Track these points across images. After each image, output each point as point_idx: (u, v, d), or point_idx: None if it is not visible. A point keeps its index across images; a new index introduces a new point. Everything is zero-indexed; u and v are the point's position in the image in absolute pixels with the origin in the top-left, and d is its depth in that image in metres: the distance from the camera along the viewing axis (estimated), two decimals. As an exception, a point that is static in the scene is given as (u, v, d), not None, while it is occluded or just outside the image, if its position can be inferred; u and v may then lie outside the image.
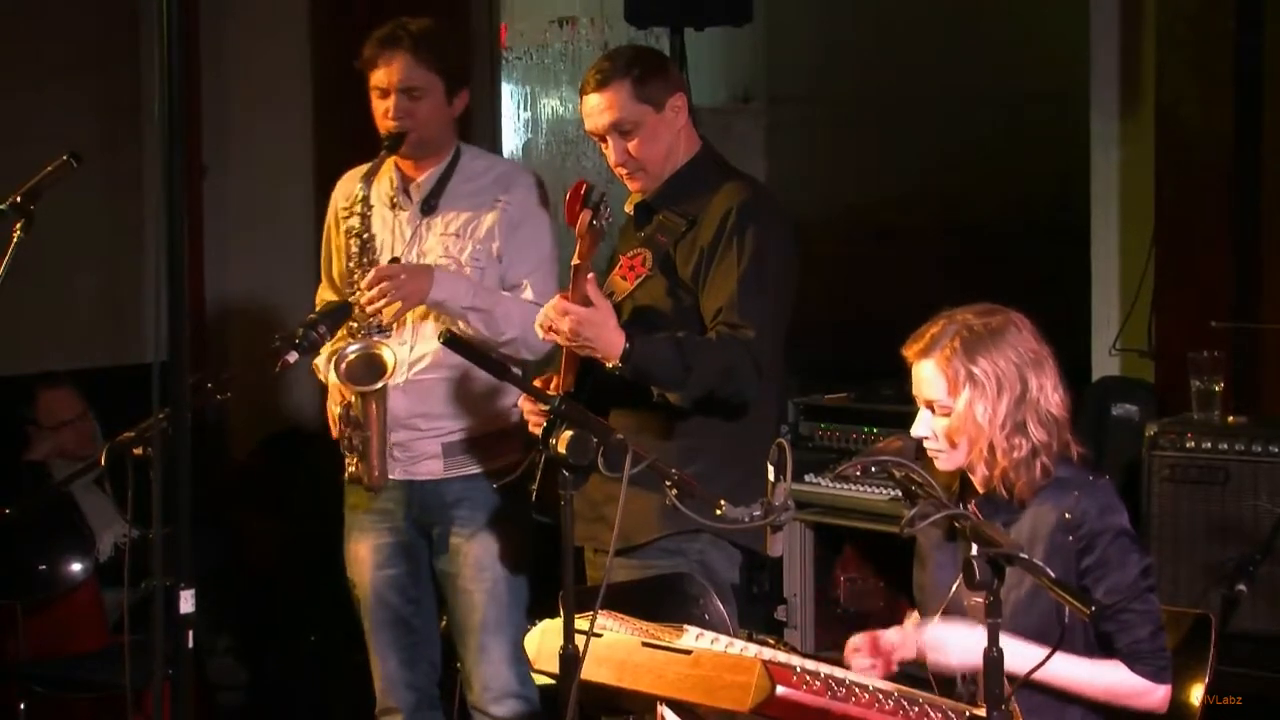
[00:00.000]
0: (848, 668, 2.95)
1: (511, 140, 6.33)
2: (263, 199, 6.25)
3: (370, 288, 3.69)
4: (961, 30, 5.80)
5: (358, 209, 3.80)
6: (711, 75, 6.10)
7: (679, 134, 3.62)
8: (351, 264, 3.80)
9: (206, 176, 6.14)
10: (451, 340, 3.06)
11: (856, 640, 3.05)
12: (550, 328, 3.37)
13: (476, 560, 3.88)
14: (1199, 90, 4.37)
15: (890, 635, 3.04)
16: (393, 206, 3.91)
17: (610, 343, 3.35)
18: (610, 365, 3.37)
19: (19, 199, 3.35)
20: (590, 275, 3.38)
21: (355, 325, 3.74)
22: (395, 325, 3.79)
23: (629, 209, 3.70)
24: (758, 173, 5.23)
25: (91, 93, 5.95)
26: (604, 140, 3.62)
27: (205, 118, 6.08)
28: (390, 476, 3.84)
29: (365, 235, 3.80)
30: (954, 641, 2.87)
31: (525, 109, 6.35)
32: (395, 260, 3.82)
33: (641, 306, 3.58)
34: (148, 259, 5.83)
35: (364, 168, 3.85)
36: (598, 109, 3.58)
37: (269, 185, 6.25)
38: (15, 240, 3.33)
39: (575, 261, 3.34)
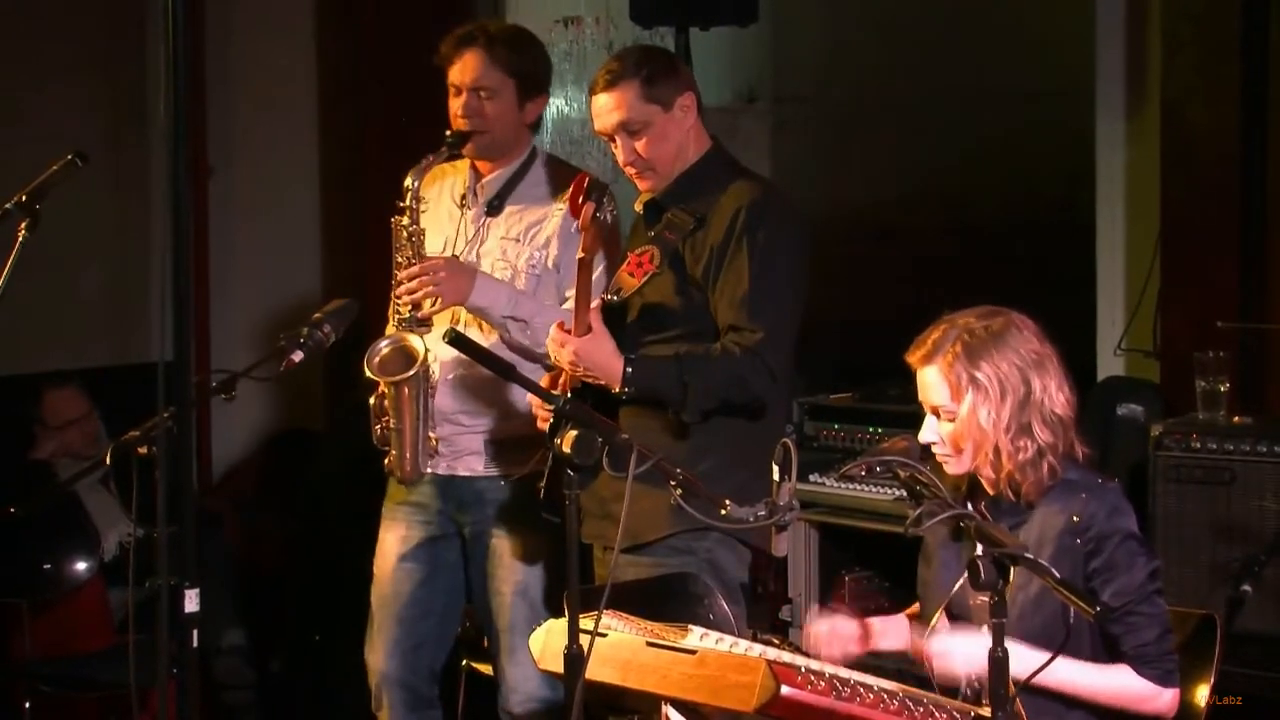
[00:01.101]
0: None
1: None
2: (268, 199, 6.25)
3: (412, 278, 3.71)
4: (965, 30, 5.79)
5: (408, 202, 3.81)
6: (717, 75, 6.09)
7: (688, 133, 3.62)
8: (399, 256, 3.81)
9: (212, 176, 6.14)
10: (456, 339, 3.06)
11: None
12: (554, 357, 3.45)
13: (510, 561, 3.89)
14: (1205, 90, 4.36)
15: (874, 620, 3.04)
16: (461, 205, 3.93)
17: (610, 369, 3.43)
18: (615, 390, 3.44)
19: (24, 198, 3.34)
20: (595, 304, 3.41)
21: (400, 317, 3.77)
22: (449, 320, 3.80)
23: (638, 208, 3.71)
24: (763, 173, 5.21)
25: (97, 92, 5.95)
26: (613, 140, 3.62)
27: (210, 118, 6.08)
28: (433, 471, 3.87)
29: (412, 228, 3.80)
30: (960, 650, 2.87)
31: (530, 108, 6.34)
32: (455, 258, 3.84)
33: (649, 304, 3.58)
34: (153, 259, 5.82)
35: (429, 161, 3.85)
36: (606, 109, 3.59)
37: (274, 185, 6.25)
38: (20, 239, 3.33)
39: (579, 255, 3.35)
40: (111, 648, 4.77)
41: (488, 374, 3.80)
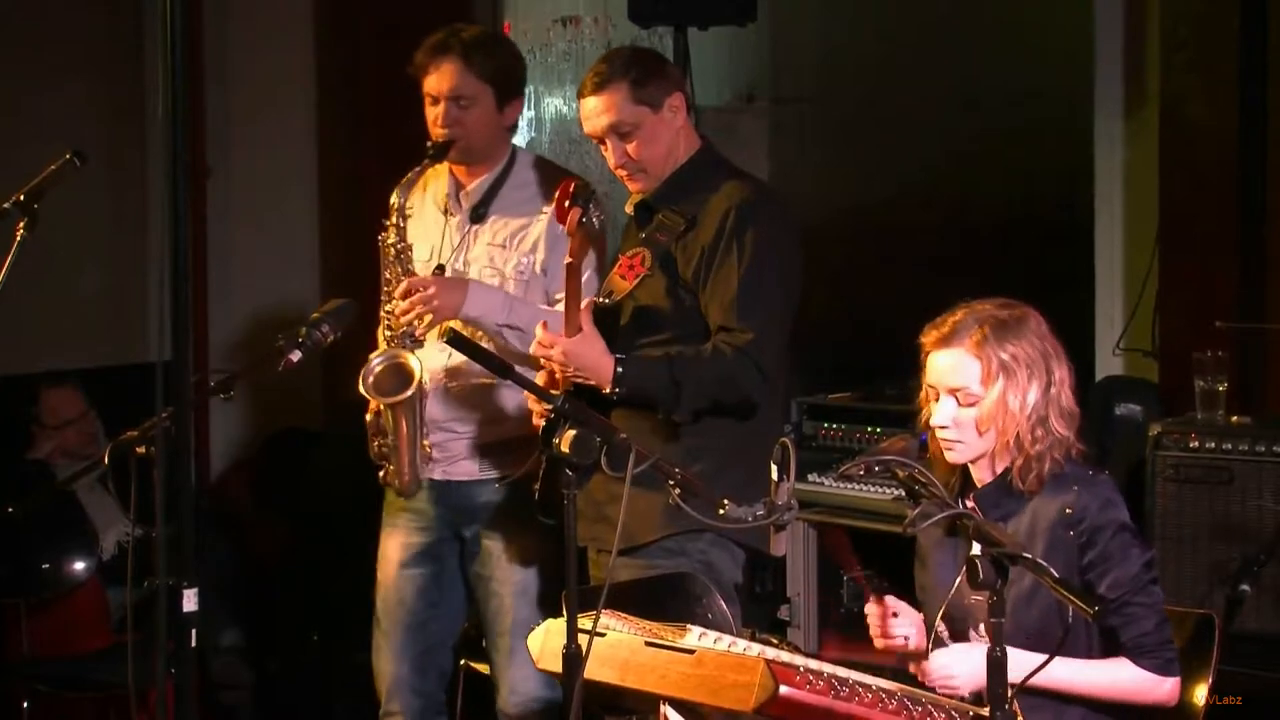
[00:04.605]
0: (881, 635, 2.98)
1: (515, 140, 6.32)
2: (266, 200, 6.26)
3: (403, 298, 3.70)
4: (965, 30, 5.79)
5: (394, 219, 3.80)
6: (715, 75, 6.09)
7: (678, 134, 3.62)
8: (388, 273, 3.81)
9: (210, 177, 6.14)
10: (454, 339, 3.06)
11: (893, 604, 3.04)
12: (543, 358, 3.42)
13: (509, 563, 3.89)
14: (1203, 89, 4.36)
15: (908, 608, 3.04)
16: (445, 211, 3.92)
17: (601, 369, 3.40)
18: (605, 391, 3.42)
19: (22, 198, 3.34)
20: (587, 302, 3.40)
21: (391, 334, 3.76)
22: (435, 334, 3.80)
23: (629, 209, 3.70)
24: (761, 173, 5.22)
25: (96, 93, 5.95)
26: (603, 142, 3.62)
27: (209, 119, 6.08)
28: (429, 477, 3.87)
29: (399, 245, 3.80)
30: (961, 666, 2.87)
31: (529, 108, 6.33)
32: (440, 268, 3.83)
33: (641, 306, 3.58)
34: (151, 259, 5.83)
35: (414, 175, 3.84)
36: (595, 111, 3.58)
37: (272, 186, 6.25)
38: (19, 239, 3.33)
39: (567, 260, 3.35)
40: (109, 647, 4.78)
41: (478, 381, 3.81)
